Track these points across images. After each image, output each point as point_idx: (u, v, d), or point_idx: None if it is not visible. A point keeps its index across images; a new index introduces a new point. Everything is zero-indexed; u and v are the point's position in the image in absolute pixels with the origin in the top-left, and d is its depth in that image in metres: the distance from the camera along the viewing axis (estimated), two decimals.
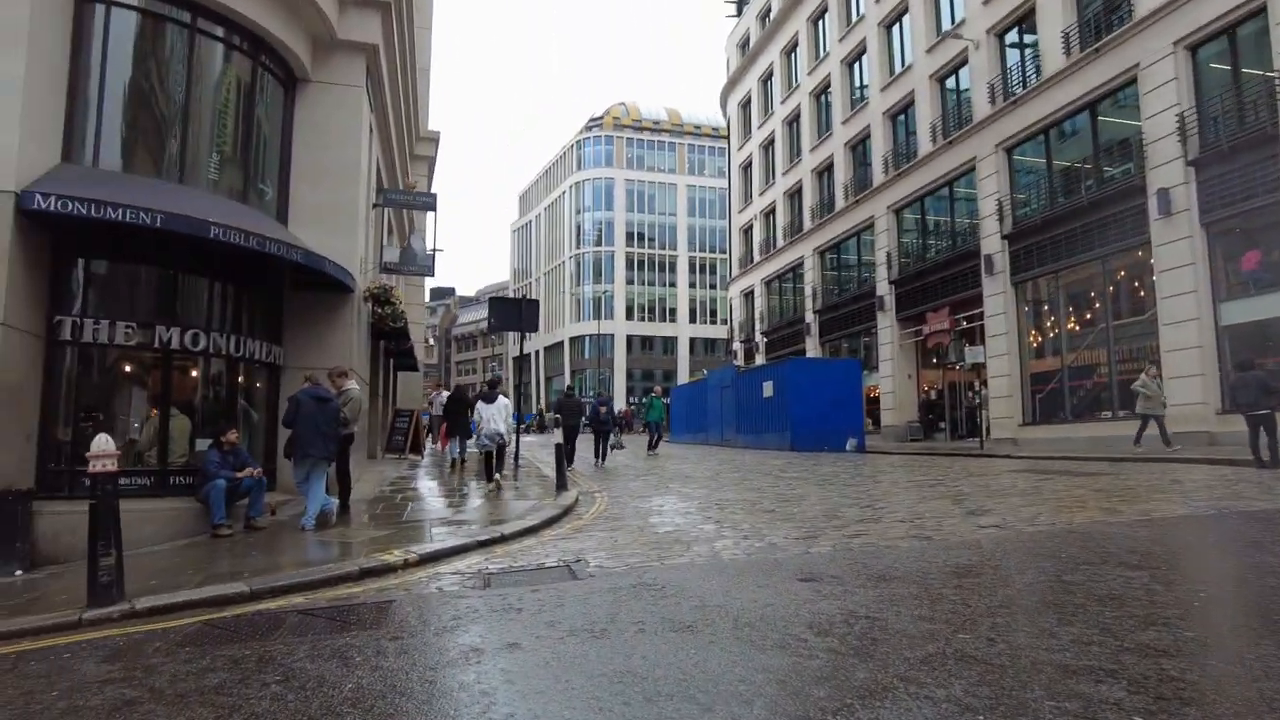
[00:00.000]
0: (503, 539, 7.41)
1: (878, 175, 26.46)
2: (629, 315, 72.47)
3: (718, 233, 71.45)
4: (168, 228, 7.59)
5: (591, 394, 54.22)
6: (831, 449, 20.41)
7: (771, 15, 35.29)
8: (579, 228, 75.10)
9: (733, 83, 40.20)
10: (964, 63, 22.25)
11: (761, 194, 36.69)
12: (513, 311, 14.58)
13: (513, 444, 13.52)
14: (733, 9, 42.43)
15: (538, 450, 21.01)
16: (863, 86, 28.18)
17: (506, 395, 12.94)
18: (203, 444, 8.82)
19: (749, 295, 38.37)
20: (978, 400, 21.09)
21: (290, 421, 8.50)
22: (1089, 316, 18.40)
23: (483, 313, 74.08)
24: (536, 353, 78.29)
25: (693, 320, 73.88)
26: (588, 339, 72.27)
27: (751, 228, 38.05)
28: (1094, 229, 17.43)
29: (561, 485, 10.78)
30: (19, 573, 6.86)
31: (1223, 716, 2.78)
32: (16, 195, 7.10)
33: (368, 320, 13.85)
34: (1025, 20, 20.10)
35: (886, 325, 25.79)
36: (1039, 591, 4.71)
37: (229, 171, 9.93)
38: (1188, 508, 7.71)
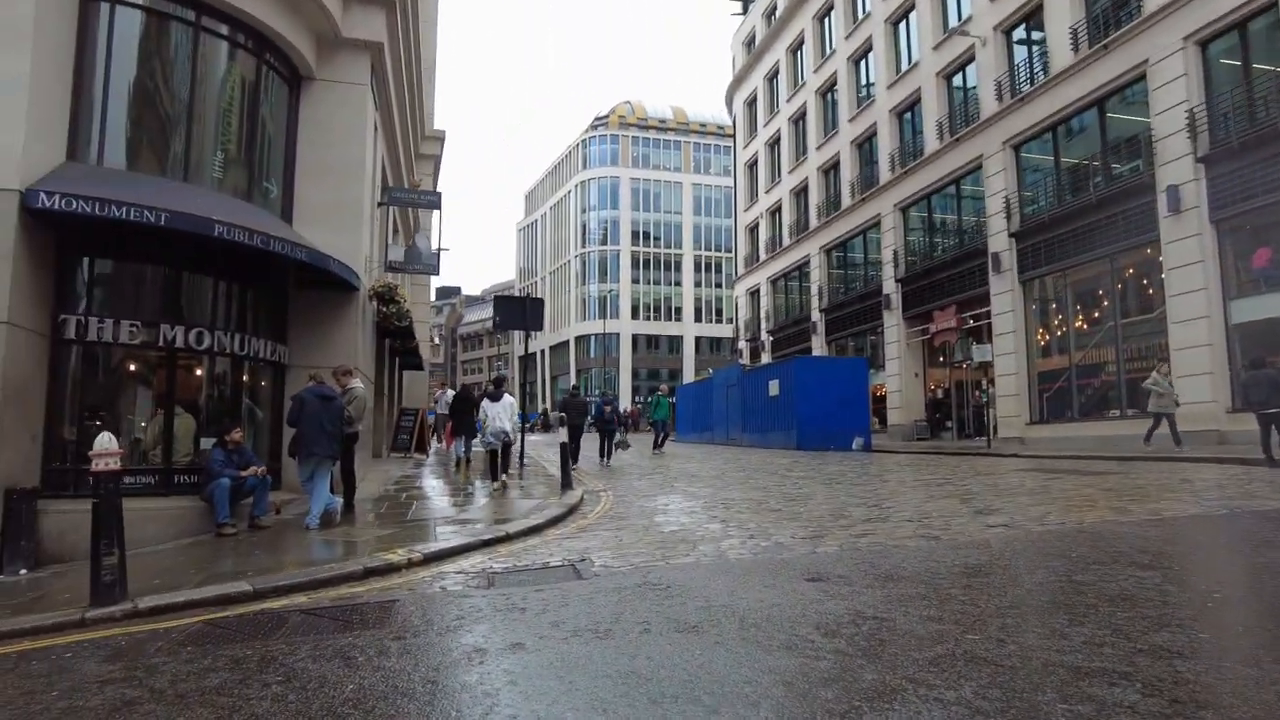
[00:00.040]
0: (507, 538, 7.37)
1: (884, 173, 26.35)
2: (634, 314, 72.42)
3: (723, 231, 71.28)
4: (172, 226, 7.58)
5: (597, 393, 54.25)
6: (838, 448, 20.33)
7: (777, 13, 35.18)
8: (584, 226, 75.09)
9: (738, 81, 40.11)
10: (971, 60, 22.13)
11: (767, 192, 36.59)
12: (518, 310, 14.57)
13: (518, 443, 13.50)
14: (738, 7, 42.31)
15: (543, 449, 21.00)
16: (869, 84, 28.06)
17: (512, 394, 12.91)
18: (207, 443, 8.82)
19: (755, 294, 38.29)
20: (985, 399, 20.97)
21: (295, 420, 8.48)
22: (1097, 315, 18.27)
23: (488, 312, 74.02)
24: (542, 352, 78.34)
25: (698, 319, 73.79)
26: (593, 338, 72.24)
27: (757, 226, 37.96)
28: (1102, 226, 17.30)
29: (566, 484, 10.75)
30: (23, 571, 6.87)
31: None
32: (21, 193, 7.10)
33: (373, 319, 13.85)
34: (1033, 17, 19.97)
35: (893, 324, 25.68)
36: (1049, 591, 4.65)
37: (233, 170, 9.93)
38: (1199, 507, 7.62)
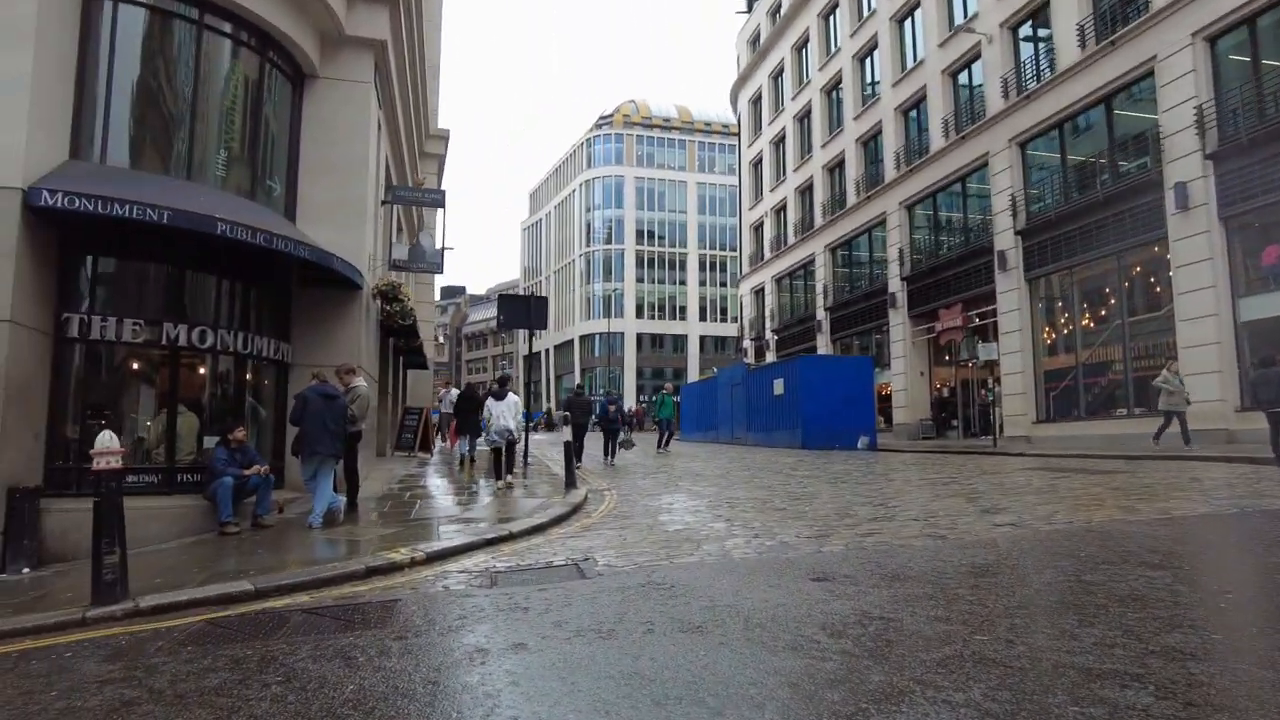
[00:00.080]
0: (511, 537, 7.34)
1: (889, 171, 26.24)
2: (639, 313, 72.39)
3: (728, 230, 71.17)
4: (175, 224, 7.56)
5: (602, 392, 54.20)
6: (843, 447, 20.26)
7: (782, 11, 35.09)
8: (589, 225, 75.07)
9: (743, 79, 40.04)
10: (976, 57, 21.99)
11: (772, 190, 36.51)
12: (522, 309, 14.52)
13: (522, 442, 13.46)
14: (742, 5, 42.29)
15: (547, 448, 20.97)
16: (874, 82, 27.95)
17: (516, 393, 12.88)
18: (210, 442, 8.81)
19: (759, 293, 38.20)
20: (990, 398, 20.87)
21: (298, 419, 8.46)
22: (1104, 313, 18.15)
23: (493, 311, 73.97)
24: (546, 351, 78.33)
25: (703, 318, 73.71)
26: (598, 337, 72.23)
27: (762, 225, 37.89)
28: (1109, 224, 17.19)
29: (570, 483, 10.71)
30: (26, 570, 6.86)
31: None
32: (24, 192, 7.09)
33: (376, 317, 13.83)
34: (1039, 13, 19.84)
35: (898, 322, 25.58)
36: (1058, 591, 4.59)
37: (237, 168, 9.91)
38: (1209, 506, 7.54)
